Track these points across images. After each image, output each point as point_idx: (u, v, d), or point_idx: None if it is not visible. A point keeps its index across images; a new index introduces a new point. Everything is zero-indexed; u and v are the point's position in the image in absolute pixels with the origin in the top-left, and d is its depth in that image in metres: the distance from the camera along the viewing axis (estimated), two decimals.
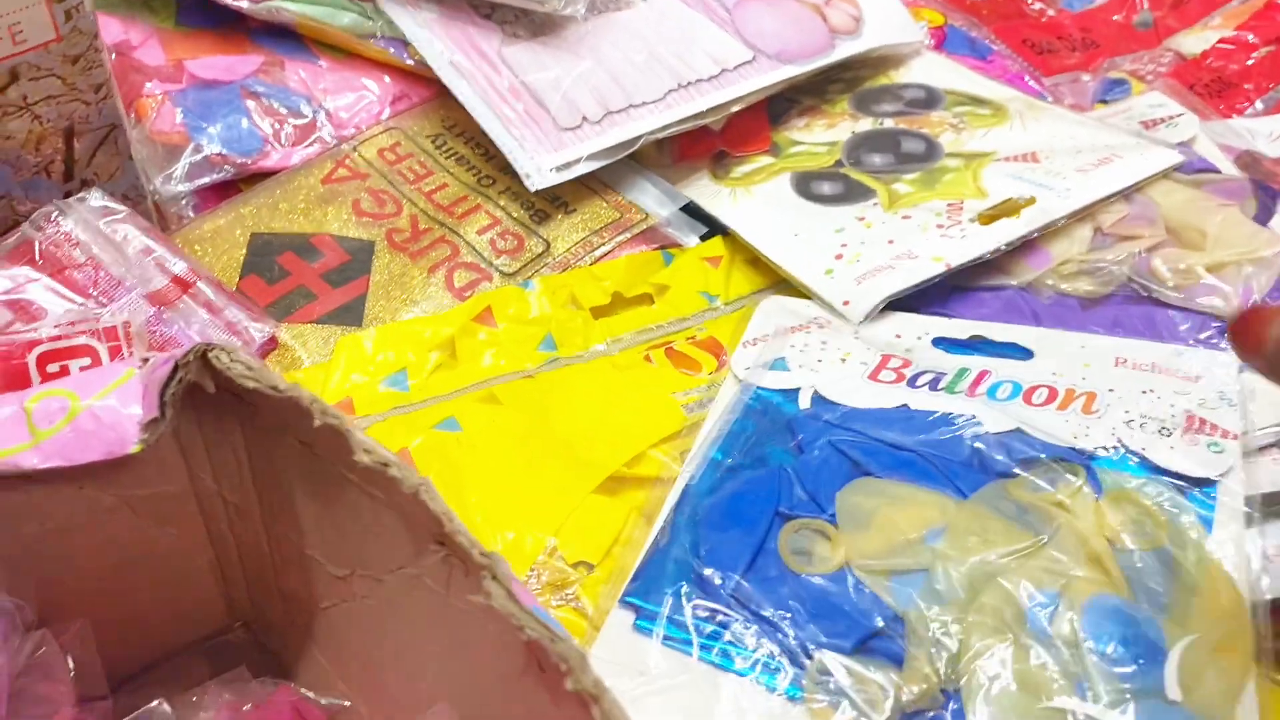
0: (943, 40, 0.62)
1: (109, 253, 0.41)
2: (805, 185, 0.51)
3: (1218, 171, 0.51)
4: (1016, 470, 0.37)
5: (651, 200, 0.51)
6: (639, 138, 0.51)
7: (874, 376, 0.41)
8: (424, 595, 0.31)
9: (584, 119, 0.51)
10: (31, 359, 0.37)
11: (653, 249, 0.50)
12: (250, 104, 0.51)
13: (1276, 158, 0.53)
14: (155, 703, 0.35)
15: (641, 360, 0.43)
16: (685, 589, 0.33)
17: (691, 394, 0.42)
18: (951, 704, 0.31)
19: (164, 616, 0.39)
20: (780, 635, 0.32)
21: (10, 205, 0.43)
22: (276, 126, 0.51)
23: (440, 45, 0.52)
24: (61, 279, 0.41)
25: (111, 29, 0.53)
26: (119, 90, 0.45)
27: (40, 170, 0.43)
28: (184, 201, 0.49)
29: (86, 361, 0.38)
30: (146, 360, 0.32)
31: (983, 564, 0.34)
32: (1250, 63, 0.60)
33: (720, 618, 0.32)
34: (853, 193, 0.50)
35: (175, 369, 0.29)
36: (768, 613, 0.32)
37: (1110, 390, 0.39)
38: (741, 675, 0.31)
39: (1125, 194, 0.49)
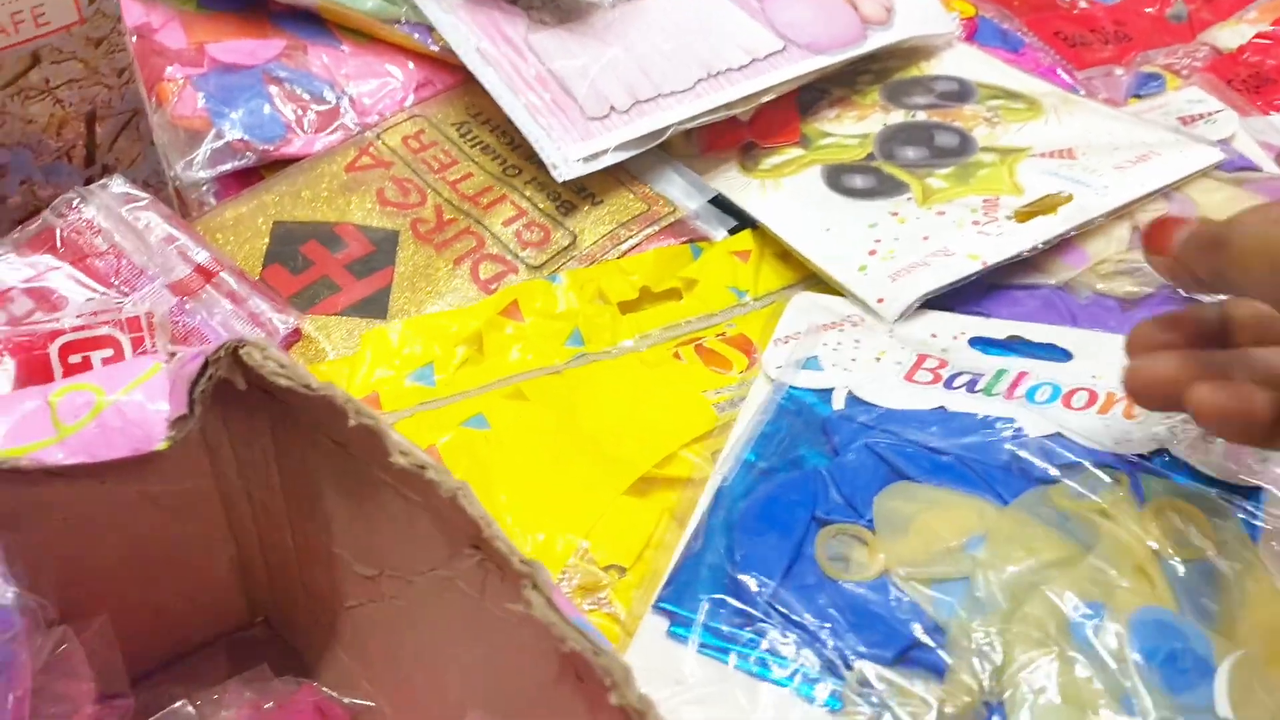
0: (974, 31, 0.61)
1: (131, 241, 0.41)
2: (836, 178, 0.50)
3: (1258, 170, 0.50)
4: (1057, 476, 0.36)
5: (679, 192, 0.50)
6: (668, 128, 0.50)
7: (909, 377, 0.41)
8: (456, 598, 0.30)
9: (612, 108, 0.50)
10: (54, 349, 0.36)
11: (681, 242, 0.49)
12: (273, 89, 0.51)
13: None
14: (179, 704, 0.34)
15: (671, 357, 0.43)
16: (721, 595, 0.33)
17: (723, 393, 0.41)
18: (994, 717, 0.30)
19: (184, 612, 0.38)
20: (819, 644, 0.31)
21: (31, 190, 0.42)
22: (299, 112, 0.50)
23: (466, 31, 0.51)
24: (83, 267, 0.40)
25: (133, 11, 0.52)
26: (140, 74, 0.44)
27: (61, 155, 0.42)
28: (205, 188, 0.48)
29: (109, 353, 0.37)
30: (174, 355, 0.32)
31: (1025, 573, 0.33)
32: None
33: (757, 626, 0.32)
34: (885, 187, 0.50)
35: (205, 365, 0.29)
36: (806, 621, 0.32)
37: None
38: (780, 685, 0.30)
39: (1164, 192, 0.48)
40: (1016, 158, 0.50)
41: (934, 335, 0.43)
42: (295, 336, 0.42)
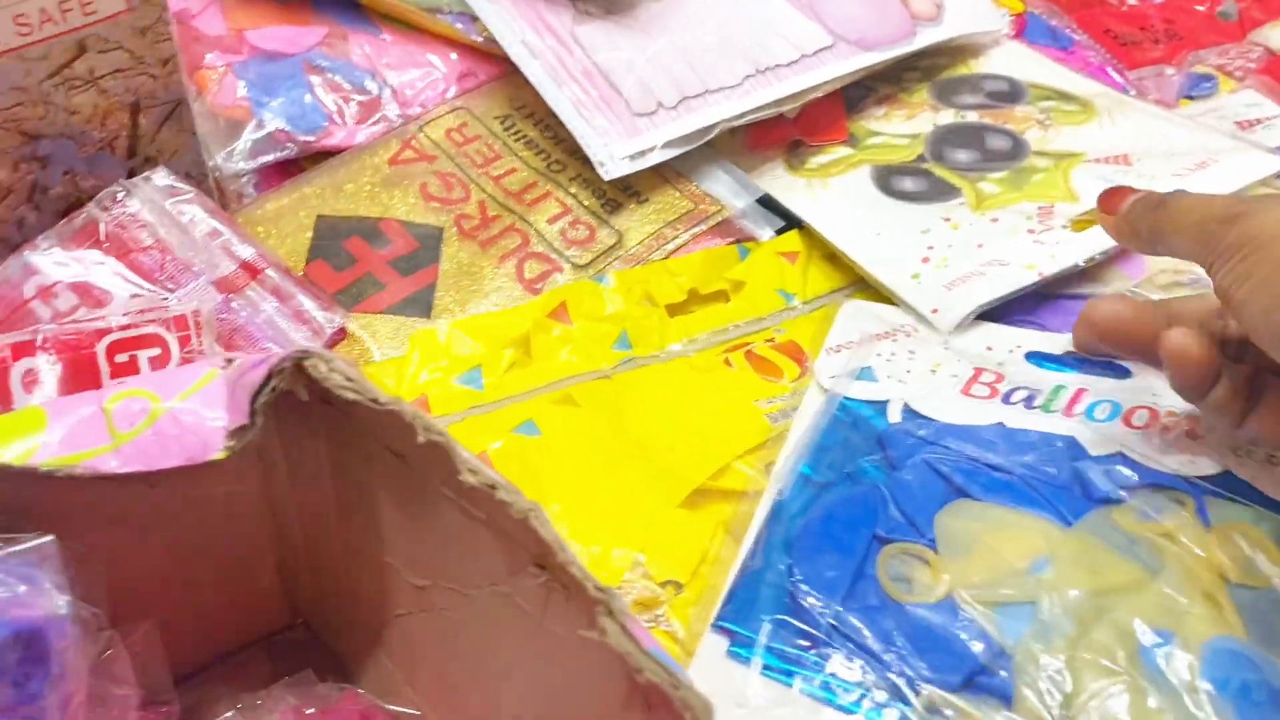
0: (1022, 28, 0.60)
1: (176, 235, 0.40)
2: (886, 180, 0.49)
3: None
4: (1121, 497, 0.35)
5: (726, 190, 0.49)
6: (715, 125, 0.49)
7: (966, 391, 0.40)
8: (514, 615, 0.30)
9: (659, 104, 0.49)
10: (101, 349, 0.35)
11: (727, 243, 0.48)
12: (314, 79, 0.50)
13: None
14: (229, 714, 0.34)
15: (721, 363, 0.42)
16: (782, 616, 0.32)
17: (775, 402, 0.40)
18: None
19: (226, 614, 0.38)
20: (885, 669, 0.31)
21: (74, 181, 0.42)
22: (340, 103, 0.49)
23: (511, 22, 0.50)
24: (127, 262, 0.39)
25: None
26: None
27: (104, 146, 0.41)
28: (245, 179, 0.47)
29: (156, 351, 0.36)
30: (230, 360, 0.31)
31: (1091, 597, 0.32)
32: None
33: (821, 648, 0.31)
34: (937, 190, 0.49)
35: (269, 376, 0.28)
36: (871, 644, 0.31)
37: None
38: (846, 711, 0.30)
39: None
40: (1071, 163, 0.49)
41: (989, 348, 0.42)
42: (340, 335, 0.41)
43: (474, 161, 0.49)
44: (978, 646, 0.31)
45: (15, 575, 0.28)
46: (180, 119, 0.43)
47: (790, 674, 0.31)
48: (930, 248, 0.46)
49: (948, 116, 0.53)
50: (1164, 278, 0.45)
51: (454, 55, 0.53)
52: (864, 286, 0.46)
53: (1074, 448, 0.37)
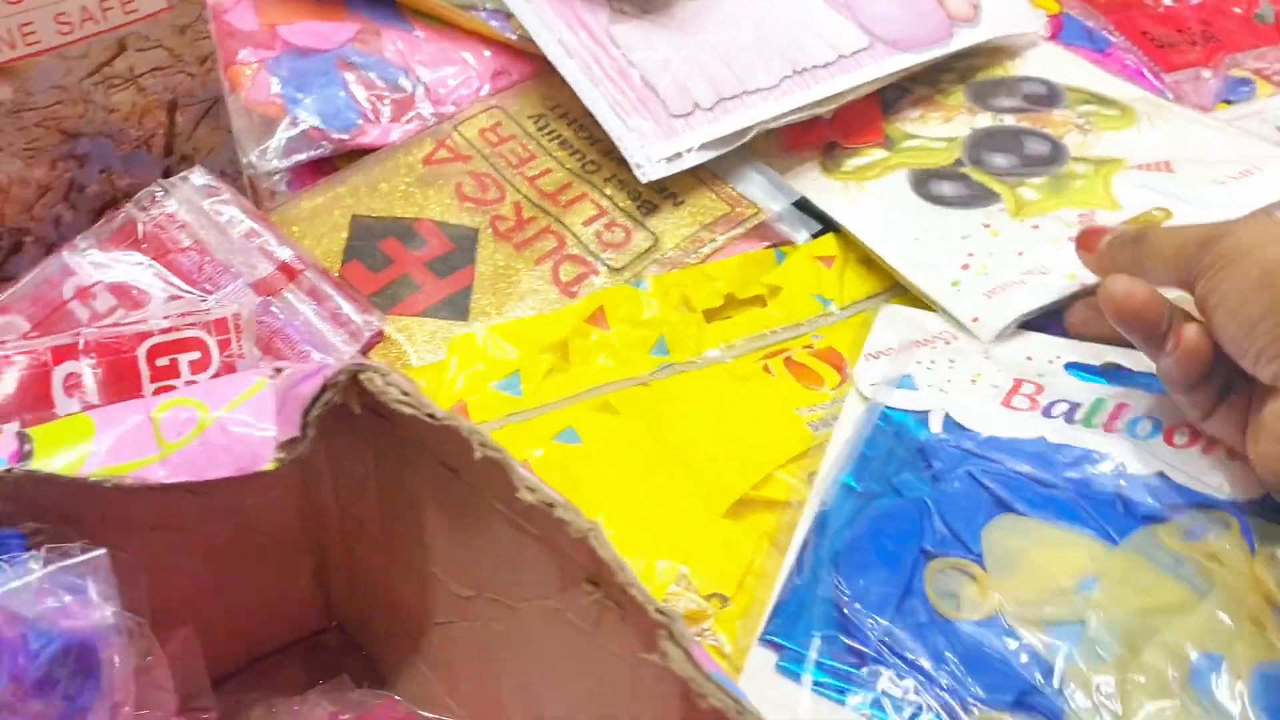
0: (1058, 29, 0.59)
1: (214, 236, 0.40)
2: (924, 184, 0.49)
3: None
4: (1165, 515, 0.35)
5: (761, 192, 0.49)
6: (752, 127, 0.48)
7: (1007, 402, 0.39)
8: (565, 630, 0.30)
9: (696, 105, 0.49)
10: (141, 352, 0.35)
11: (764, 247, 0.47)
12: (347, 75, 0.49)
13: None
14: None
15: (760, 370, 0.42)
16: (832, 632, 0.32)
17: (816, 410, 0.40)
18: None
19: (261, 617, 0.38)
20: (936, 688, 0.30)
21: (110, 180, 0.41)
22: (374, 101, 0.49)
23: (547, 20, 0.50)
24: (166, 263, 0.39)
25: None
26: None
27: (141, 144, 0.41)
28: (277, 178, 0.47)
29: (196, 355, 0.36)
30: (279, 370, 0.31)
31: (1139, 617, 0.32)
32: None
33: (871, 666, 0.31)
34: (976, 196, 0.48)
35: (324, 389, 0.28)
36: (921, 662, 0.31)
37: None
38: None
39: (1267, 210, 0.46)
40: (1111, 169, 0.48)
41: (1029, 358, 0.41)
42: (378, 338, 0.41)
43: (509, 162, 0.49)
44: (1028, 666, 0.31)
45: (62, 585, 0.28)
46: (216, 117, 0.43)
47: (842, 691, 0.31)
48: (970, 254, 0.45)
49: (985, 120, 0.52)
50: None
51: (487, 53, 0.52)
52: (901, 292, 0.46)
53: (1116, 465, 0.37)
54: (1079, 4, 0.61)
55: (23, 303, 0.38)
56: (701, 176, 0.49)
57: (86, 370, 0.35)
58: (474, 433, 0.26)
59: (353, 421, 0.31)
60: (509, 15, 0.51)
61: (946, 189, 0.49)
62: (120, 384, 0.35)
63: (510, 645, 0.32)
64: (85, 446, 0.29)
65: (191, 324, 0.36)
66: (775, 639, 0.32)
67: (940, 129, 0.52)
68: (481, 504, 0.29)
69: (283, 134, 0.47)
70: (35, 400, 0.35)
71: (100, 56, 0.38)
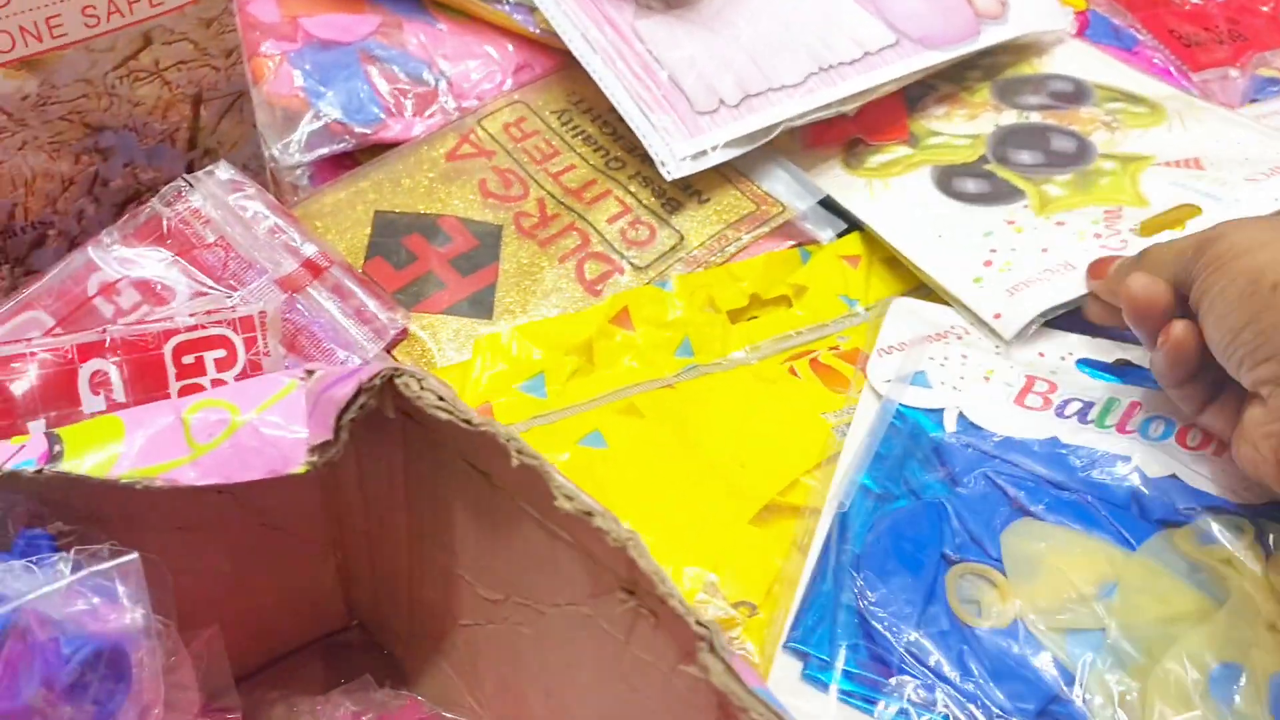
0: (1085, 27, 0.59)
1: (239, 232, 0.39)
2: (948, 181, 0.49)
3: None
4: (1181, 520, 0.35)
5: (787, 190, 0.49)
6: (778, 125, 0.48)
7: (1020, 401, 0.39)
8: (595, 636, 0.29)
9: (721, 102, 0.48)
10: (168, 350, 0.35)
11: (789, 246, 0.47)
12: (370, 68, 0.49)
13: None
14: None
15: (785, 372, 0.41)
16: (857, 640, 0.32)
17: (843, 414, 0.39)
18: None
19: (283, 616, 0.38)
20: (962, 697, 0.30)
21: (134, 174, 0.41)
22: (397, 94, 0.49)
23: (572, 15, 0.49)
24: (190, 259, 0.39)
25: None
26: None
27: (165, 138, 0.41)
28: (300, 172, 0.46)
29: (221, 353, 0.36)
30: (310, 372, 0.30)
31: (1158, 624, 0.32)
32: None
33: (897, 675, 0.31)
34: (1000, 193, 0.48)
35: (358, 392, 0.27)
36: (947, 672, 0.31)
37: None
38: None
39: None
40: (1139, 166, 0.48)
41: (1041, 355, 0.41)
42: (402, 336, 0.41)
43: (532, 157, 0.48)
44: (1051, 673, 0.31)
45: (91, 588, 0.28)
46: (240, 111, 0.42)
47: (870, 700, 0.30)
48: (993, 251, 0.45)
49: (1010, 117, 0.52)
50: None
51: (510, 46, 0.52)
52: (926, 292, 0.45)
53: (1131, 468, 0.37)
54: (1106, 2, 0.61)
55: (47, 298, 0.38)
56: (726, 174, 0.49)
57: (112, 368, 0.34)
58: (511, 439, 0.26)
59: (383, 424, 0.30)
60: (532, 9, 0.51)
61: (970, 186, 0.48)
62: (145, 381, 0.35)
63: (537, 649, 0.32)
64: (115, 447, 0.29)
65: (217, 321, 0.36)
66: (799, 646, 0.32)
67: (965, 126, 0.52)
68: (513, 508, 0.29)
69: (305, 128, 0.46)
70: (61, 397, 0.34)
71: (126, 50, 0.37)
